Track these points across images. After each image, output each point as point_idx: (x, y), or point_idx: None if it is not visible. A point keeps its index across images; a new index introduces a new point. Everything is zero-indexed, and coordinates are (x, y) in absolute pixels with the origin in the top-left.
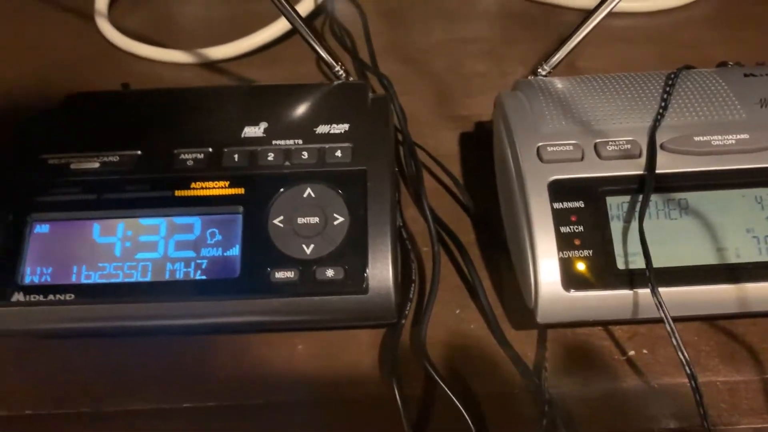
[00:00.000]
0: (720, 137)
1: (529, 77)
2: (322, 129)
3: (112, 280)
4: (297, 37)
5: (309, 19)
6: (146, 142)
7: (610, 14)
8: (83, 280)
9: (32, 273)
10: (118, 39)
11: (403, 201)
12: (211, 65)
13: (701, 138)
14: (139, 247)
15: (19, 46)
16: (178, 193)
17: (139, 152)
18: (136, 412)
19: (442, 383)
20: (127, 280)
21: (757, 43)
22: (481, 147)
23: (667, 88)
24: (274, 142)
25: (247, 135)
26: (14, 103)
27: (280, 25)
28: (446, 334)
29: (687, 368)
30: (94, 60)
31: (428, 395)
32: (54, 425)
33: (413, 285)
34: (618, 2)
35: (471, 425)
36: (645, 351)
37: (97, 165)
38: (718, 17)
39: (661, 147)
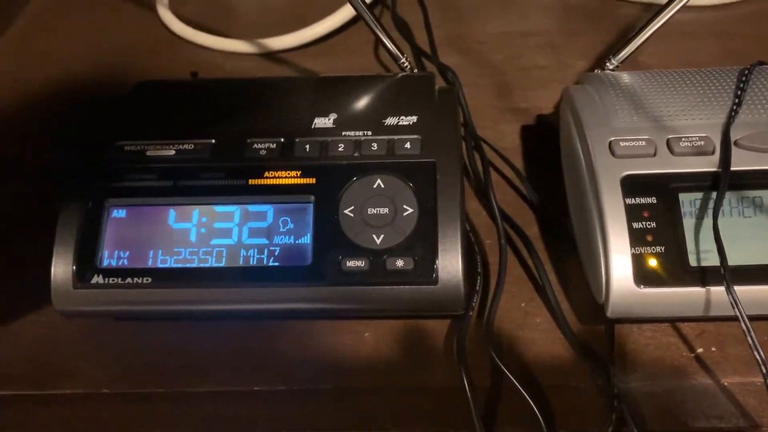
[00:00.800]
0: None
1: (596, 71)
2: (390, 121)
3: (188, 265)
4: (354, 28)
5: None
6: (219, 130)
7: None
8: (159, 265)
9: (110, 256)
10: (180, 28)
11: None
12: (270, 55)
13: None
14: (213, 233)
15: (83, 36)
16: (251, 181)
17: (213, 141)
18: (207, 393)
19: (509, 374)
20: (202, 265)
21: None
22: (543, 140)
23: (741, 84)
24: (343, 133)
25: (317, 126)
26: (79, 92)
27: (340, 16)
28: (512, 326)
29: (763, 368)
30: (154, 49)
31: (494, 386)
32: (128, 404)
33: (479, 277)
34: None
35: (540, 417)
36: (713, 349)
37: (172, 152)
38: None
39: (735, 144)
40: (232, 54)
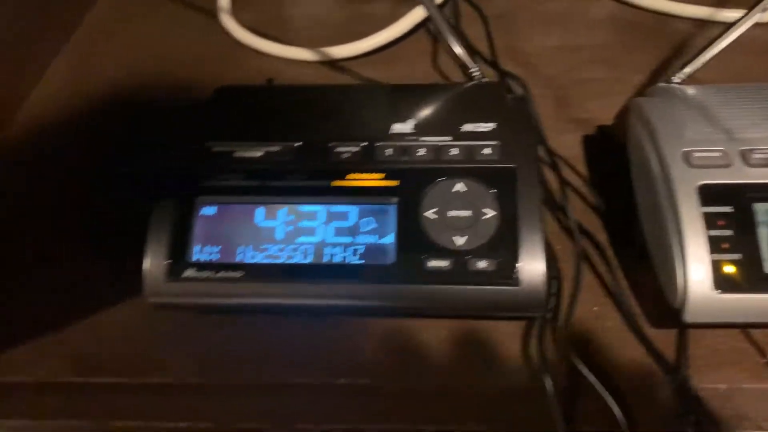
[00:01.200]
0: None
1: (662, 84)
2: (467, 127)
3: (275, 261)
4: (410, 39)
5: (427, 21)
6: (302, 134)
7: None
8: (247, 260)
9: (201, 252)
10: (242, 35)
11: None
12: (331, 63)
13: None
14: (299, 231)
15: (144, 43)
16: (335, 183)
17: (297, 144)
18: (294, 385)
19: (591, 376)
20: (288, 261)
21: None
22: (605, 150)
23: None
24: (422, 138)
25: (396, 131)
26: (141, 97)
27: (401, 27)
28: (585, 330)
29: None
30: (218, 55)
31: (572, 388)
32: (213, 395)
33: (555, 281)
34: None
35: (622, 418)
36: None
37: (259, 154)
38: None
39: None
40: (294, 61)
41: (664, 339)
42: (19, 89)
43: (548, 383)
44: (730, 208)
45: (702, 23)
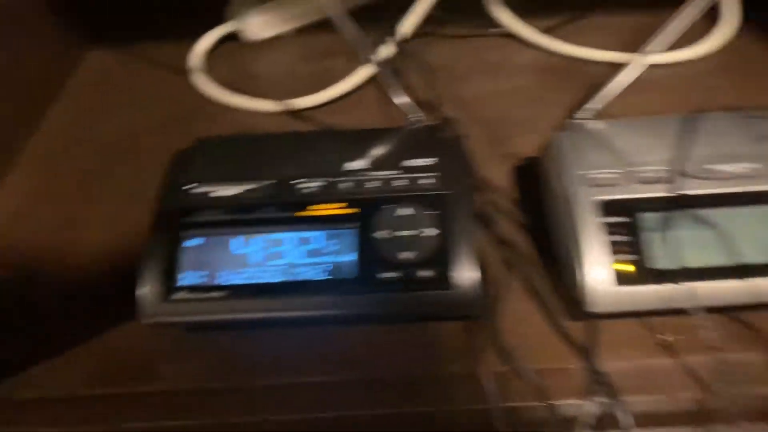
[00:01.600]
0: (730, 165)
1: (572, 120)
2: (412, 162)
3: (252, 281)
4: (367, 88)
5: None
6: (271, 175)
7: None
8: (228, 282)
9: (186, 277)
10: (214, 91)
11: None
12: (297, 113)
13: (716, 167)
14: (274, 255)
15: (123, 111)
16: (303, 213)
17: (266, 183)
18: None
19: (519, 361)
20: (265, 281)
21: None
22: (531, 177)
23: (687, 127)
24: (374, 173)
25: (353, 168)
26: (127, 152)
27: (354, 80)
28: (515, 324)
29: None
30: (192, 110)
31: (504, 373)
32: (210, 399)
33: (489, 285)
34: (649, 61)
35: (544, 392)
36: (674, 337)
37: (233, 193)
38: (730, 68)
39: (683, 174)
40: (262, 114)
41: (579, 328)
42: None
43: (485, 370)
44: (620, 218)
45: (614, 66)
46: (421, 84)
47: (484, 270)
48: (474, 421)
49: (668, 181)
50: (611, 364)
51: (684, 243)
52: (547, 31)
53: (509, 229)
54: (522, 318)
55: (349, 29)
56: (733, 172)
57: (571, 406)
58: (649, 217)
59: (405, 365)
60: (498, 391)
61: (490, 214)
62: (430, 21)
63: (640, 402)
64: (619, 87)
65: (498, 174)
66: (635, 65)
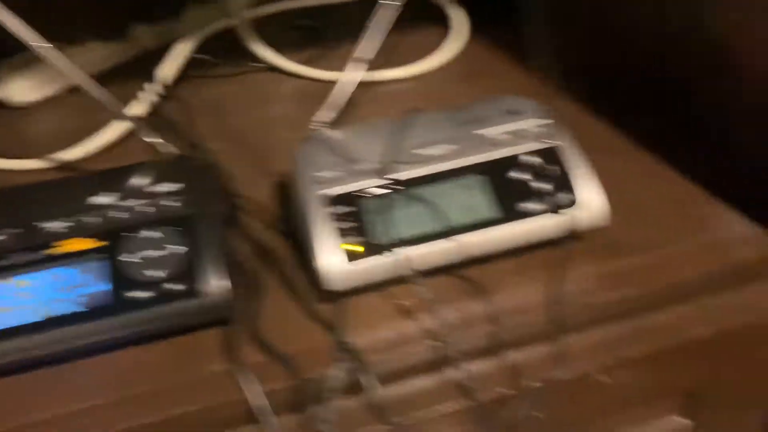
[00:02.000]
0: (433, 149)
1: (311, 131)
2: (160, 188)
3: (13, 325)
4: (132, 138)
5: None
6: (19, 223)
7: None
8: None
9: None
10: None
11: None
12: (66, 166)
13: (422, 151)
14: (28, 294)
15: None
16: (49, 251)
17: (12, 230)
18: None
19: (274, 347)
20: (24, 322)
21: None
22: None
23: (403, 125)
24: (121, 203)
25: (101, 203)
26: None
27: (113, 130)
28: (275, 319)
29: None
30: None
31: (265, 363)
32: None
33: (246, 291)
34: (360, 78)
35: (298, 371)
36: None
37: None
38: (462, 76)
39: (396, 162)
40: (28, 171)
41: (331, 310)
42: None
43: (244, 365)
44: (346, 207)
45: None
46: (187, 123)
47: (241, 276)
48: (236, 412)
49: (383, 170)
50: (360, 334)
51: (401, 219)
52: (307, 62)
53: (269, 236)
54: (280, 312)
55: (94, 90)
56: (435, 154)
57: (322, 377)
58: (369, 202)
59: (167, 375)
60: (256, 378)
61: (250, 226)
62: (194, 65)
63: (385, 361)
64: (342, 98)
65: (261, 191)
66: (345, 79)
